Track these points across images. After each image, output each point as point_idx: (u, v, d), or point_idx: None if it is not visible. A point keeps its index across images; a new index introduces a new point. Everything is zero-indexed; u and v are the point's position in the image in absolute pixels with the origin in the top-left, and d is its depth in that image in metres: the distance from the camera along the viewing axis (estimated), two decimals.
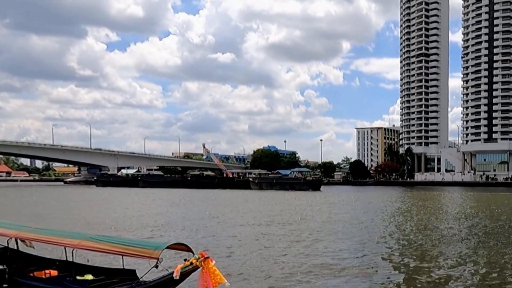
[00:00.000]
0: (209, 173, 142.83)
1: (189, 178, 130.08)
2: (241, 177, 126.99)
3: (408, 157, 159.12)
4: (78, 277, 11.70)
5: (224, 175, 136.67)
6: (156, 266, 10.32)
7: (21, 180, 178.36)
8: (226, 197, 70.17)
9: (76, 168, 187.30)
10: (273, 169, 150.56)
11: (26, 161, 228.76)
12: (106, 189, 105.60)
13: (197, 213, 40.75)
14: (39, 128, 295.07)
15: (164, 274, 10.68)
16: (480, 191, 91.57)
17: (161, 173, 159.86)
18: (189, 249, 11.12)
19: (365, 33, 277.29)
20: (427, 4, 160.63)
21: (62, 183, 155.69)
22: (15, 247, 12.86)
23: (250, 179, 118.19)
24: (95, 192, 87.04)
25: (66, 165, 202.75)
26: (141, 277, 11.13)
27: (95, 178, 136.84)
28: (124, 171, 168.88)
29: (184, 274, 10.34)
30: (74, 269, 11.77)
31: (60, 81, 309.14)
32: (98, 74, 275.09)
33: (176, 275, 10.04)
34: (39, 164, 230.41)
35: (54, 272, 12.11)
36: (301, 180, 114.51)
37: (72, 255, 11.73)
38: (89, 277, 11.87)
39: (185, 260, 10.49)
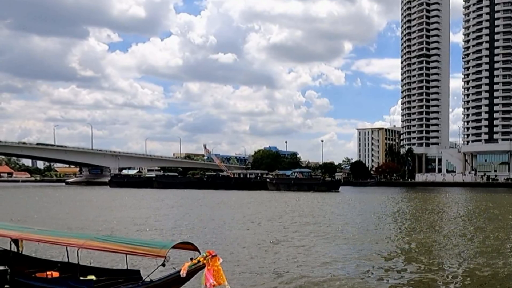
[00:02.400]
0: (225, 173, 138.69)
1: (204, 179, 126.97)
2: (258, 178, 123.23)
3: (409, 158, 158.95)
4: (82, 278, 11.68)
5: (226, 175, 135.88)
6: (163, 265, 10.39)
7: (23, 181, 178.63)
8: (248, 199, 65.72)
9: (78, 169, 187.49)
10: (274, 170, 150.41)
11: (27, 162, 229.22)
12: (120, 189, 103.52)
13: (220, 216, 37.72)
14: (40, 129, 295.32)
15: (171, 273, 10.73)
16: (481, 191, 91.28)
17: (176, 174, 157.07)
18: (195, 248, 11.17)
19: (367, 33, 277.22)
20: (428, 4, 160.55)
21: (64, 183, 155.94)
22: (15, 250, 12.79)
23: (268, 179, 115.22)
24: (110, 193, 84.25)
25: (67, 165, 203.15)
26: (148, 276, 11.15)
27: (109, 178, 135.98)
28: (125, 171, 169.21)
29: (191, 272, 10.42)
30: (78, 269, 11.76)
31: (61, 82, 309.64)
32: (99, 74, 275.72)
33: (183, 273, 10.13)
34: (40, 164, 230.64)
35: (55, 274, 12.07)
36: (319, 180, 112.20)
37: (77, 255, 11.71)
38: (93, 278, 11.83)
39: (191, 259, 10.54)
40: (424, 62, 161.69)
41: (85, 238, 11.71)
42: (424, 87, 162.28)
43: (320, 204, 55.83)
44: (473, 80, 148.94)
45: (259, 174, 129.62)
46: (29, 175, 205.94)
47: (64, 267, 12.52)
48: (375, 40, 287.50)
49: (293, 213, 40.36)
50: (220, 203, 56.79)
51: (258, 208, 47.30)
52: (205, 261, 10.22)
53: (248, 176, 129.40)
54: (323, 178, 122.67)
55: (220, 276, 10.17)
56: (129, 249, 10.86)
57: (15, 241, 12.62)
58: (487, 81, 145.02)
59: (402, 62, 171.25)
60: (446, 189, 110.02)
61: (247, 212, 42.47)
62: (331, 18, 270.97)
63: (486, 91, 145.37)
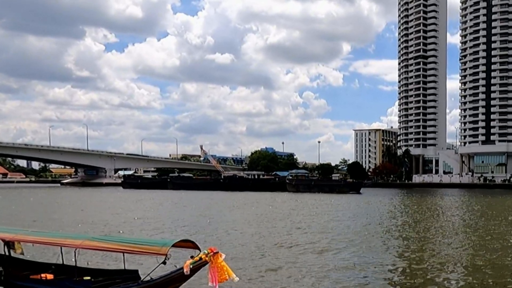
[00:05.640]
0: (242, 174, 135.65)
1: (221, 180, 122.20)
2: (277, 179, 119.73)
3: (406, 159, 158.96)
4: (78, 279, 11.49)
5: (222, 176, 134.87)
6: (164, 263, 10.20)
7: (17, 182, 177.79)
8: (273, 202, 59.84)
9: (73, 170, 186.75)
10: (270, 171, 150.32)
11: (22, 163, 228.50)
12: (134, 191, 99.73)
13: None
14: (35, 129, 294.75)
15: (172, 270, 10.53)
16: (478, 193, 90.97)
17: (191, 175, 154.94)
18: (196, 246, 11.00)
19: (366, 34, 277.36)
20: (425, 6, 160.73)
21: (59, 184, 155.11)
22: (8, 253, 12.63)
23: (287, 180, 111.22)
24: (125, 195, 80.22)
25: (62, 166, 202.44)
26: (148, 274, 10.91)
27: (122, 180, 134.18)
28: (121, 172, 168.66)
29: (193, 270, 10.27)
30: (76, 270, 11.60)
31: (57, 82, 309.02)
32: (95, 75, 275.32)
33: (187, 271, 9.99)
34: (35, 165, 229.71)
35: (50, 276, 11.85)
36: (341, 182, 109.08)
37: (74, 256, 11.52)
38: (88, 279, 11.59)
39: (191, 257, 10.40)
40: (421, 63, 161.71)
41: (82, 239, 11.52)
42: (421, 89, 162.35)
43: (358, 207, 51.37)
44: (470, 82, 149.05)
45: (271, 175, 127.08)
46: (24, 176, 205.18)
47: (58, 269, 12.30)
48: (374, 41, 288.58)
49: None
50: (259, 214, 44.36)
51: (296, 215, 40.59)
52: (207, 258, 10.09)
53: (246, 176, 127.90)
54: (345, 179, 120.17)
55: (224, 272, 10.04)
56: (128, 248, 10.64)
57: (8, 243, 12.41)
58: (484, 82, 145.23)
59: (399, 64, 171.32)
60: (444, 190, 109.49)
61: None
62: (330, 19, 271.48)
63: (483, 93, 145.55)
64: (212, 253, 10.05)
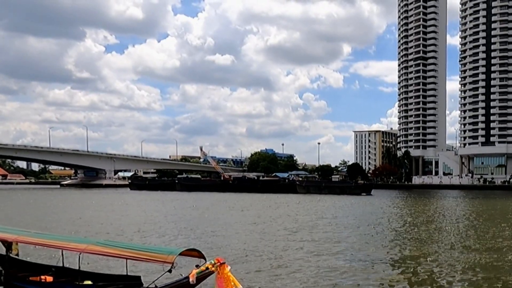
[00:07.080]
0: (250, 175, 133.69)
1: (230, 181, 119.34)
2: (286, 180, 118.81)
3: (406, 160, 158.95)
4: (79, 283, 11.40)
5: (221, 178, 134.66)
6: (170, 271, 10.08)
7: (17, 183, 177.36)
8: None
9: (73, 171, 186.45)
10: (270, 172, 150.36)
11: (22, 164, 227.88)
12: (142, 192, 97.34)
13: None
14: (35, 131, 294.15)
15: (178, 279, 10.41)
16: (477, 194, 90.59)
17: (199, 176, 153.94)
18: (201, 256, 10.89)
19: (366, 36, 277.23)
20: (425, 7, 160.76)
21: (59, 186, 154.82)
22: (10, 253, 12.47)
23: (297, 182, 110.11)
24: (135, 197, 77.68)
25: (62, 167, 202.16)
26: (152, 282, 10.79)
27: (129, 181, 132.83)
28: (120, 174, 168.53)
29: (199, 279, 10.15)
30: (79, 274, 11.47)
31: (57, 83, 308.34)
32: (95, 76, 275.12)
33: (193, 280, 9.86)
34: (35, 167, 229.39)
35: (49, 278, 11.73)
36: (352, 183, 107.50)
37: (78, 261, 11.41)
38: (89, 283, 11.53)
39: (196, 266, 10.29)
40: (421, 64, 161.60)
41: (87, 243, 11.37)
42: (421, 90, 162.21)
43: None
44: (470, 83, 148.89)
45: (271, 176, 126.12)
46: (24, 177, 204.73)
47: (58, 272, 12.16)
48: (374, 43, 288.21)
49: None
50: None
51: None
52: (213, 268, 9.98)
53: (245, 178, 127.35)
54: (356, 180, 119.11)
55: (230, 283, 9.93)
56: (134, 254, 10.49)
57: (10, 244, 12.26)
58: (484, 83, 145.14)
59: (399, 65, 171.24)
60: (444, 192, 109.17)
61: None
62: (330, 20, 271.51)
63: (483, 94, 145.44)
64: (219, 264, 9.94)
